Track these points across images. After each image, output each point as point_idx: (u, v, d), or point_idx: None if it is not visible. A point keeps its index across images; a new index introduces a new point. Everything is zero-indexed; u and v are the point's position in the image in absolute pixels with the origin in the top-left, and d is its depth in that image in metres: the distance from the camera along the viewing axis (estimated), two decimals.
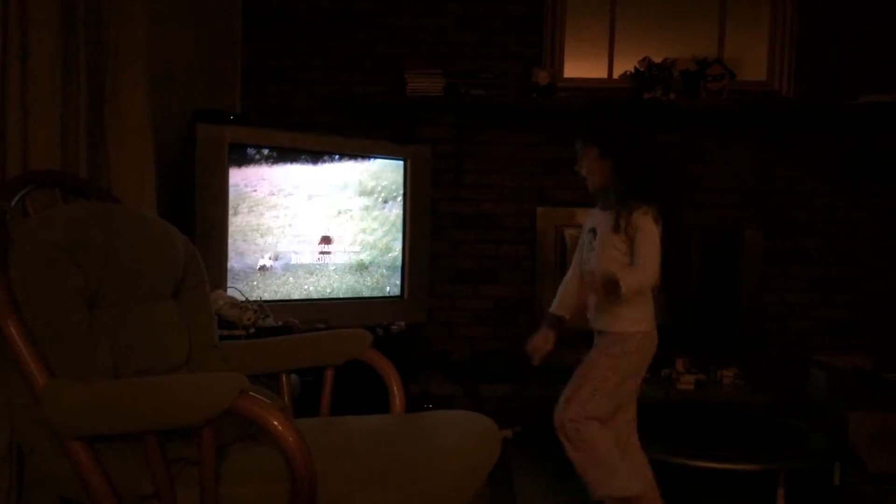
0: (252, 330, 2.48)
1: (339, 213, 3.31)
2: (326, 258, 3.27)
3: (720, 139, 3.95)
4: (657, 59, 3.85)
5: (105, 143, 2.15)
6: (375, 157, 3.43)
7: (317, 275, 3.24)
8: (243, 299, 2.67)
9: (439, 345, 3.95)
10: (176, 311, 1.76)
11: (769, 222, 3.96)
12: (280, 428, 1.29)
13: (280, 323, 2.63)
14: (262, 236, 3.03)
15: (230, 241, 2.91)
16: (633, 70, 3.88)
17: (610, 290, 2.23)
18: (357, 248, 3.38)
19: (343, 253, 3.33)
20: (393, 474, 1.43)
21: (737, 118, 3.88)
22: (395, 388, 1.92)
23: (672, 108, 3.81)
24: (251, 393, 1.31)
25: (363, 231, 3.40)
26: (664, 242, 2.28)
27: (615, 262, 2.31)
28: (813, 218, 3.99)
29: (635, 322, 2.34)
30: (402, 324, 3.48)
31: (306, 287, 3.20)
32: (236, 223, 2.94)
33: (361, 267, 3.40)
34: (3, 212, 1.52)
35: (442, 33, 4.00)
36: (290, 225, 3.13)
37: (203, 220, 2.82)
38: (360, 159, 3.37)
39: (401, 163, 3.51)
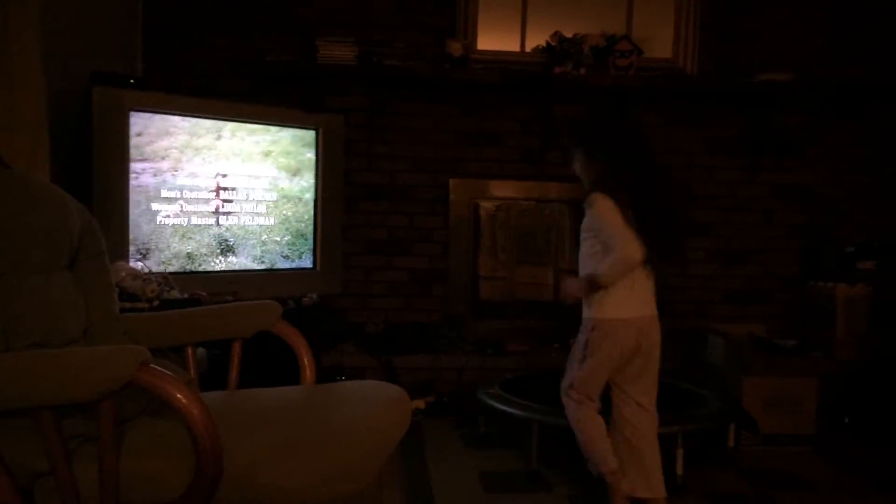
0: (156, 303, 2.40)
1: (250, 183, 3.22)
2: (228, 221, 3.17)
3: (626, 114, 4.04)
4: (568, 34, 3.90)
5: None
6: (286, 126, 3.36)
7: (225, 248, 3.16)
8: (147, 270, 2.57)
9: (354, 316, 3.93)
10: (71, 282, 1.68)
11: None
12: (184, 400, 1.25)
13: (186, 295, 2.56)
14: (165, 215, 2.92)
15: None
16: (544, 44, 3.92)
17: (593, 287, 2.38)
18: (268, 219, 3.31)
19: (252, 224, 3.25)
20: (301, 445, 1.41)
21: (643, 94, 3.98)
22: (305, 360, 1.90)
23: (582, 82, 3.88)
24: (153, 365, 1.27)
25: (274, 202, 3.33)
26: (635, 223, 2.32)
27: (593, 258, 2.41)
28: (713, 192, 4.15)
29: (600, 309, 2.42)
30: (315, 296, 3.44)
31: (212, 259, 3.11)
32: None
33: (272, 238, 3.34)
34: None
35: (356, 1, 3.92)
36: (194, 196, 3.03)
37: (101, 188, 2.70)
38: (269, 128, 3.28)
39: (312, 132, 3.44)
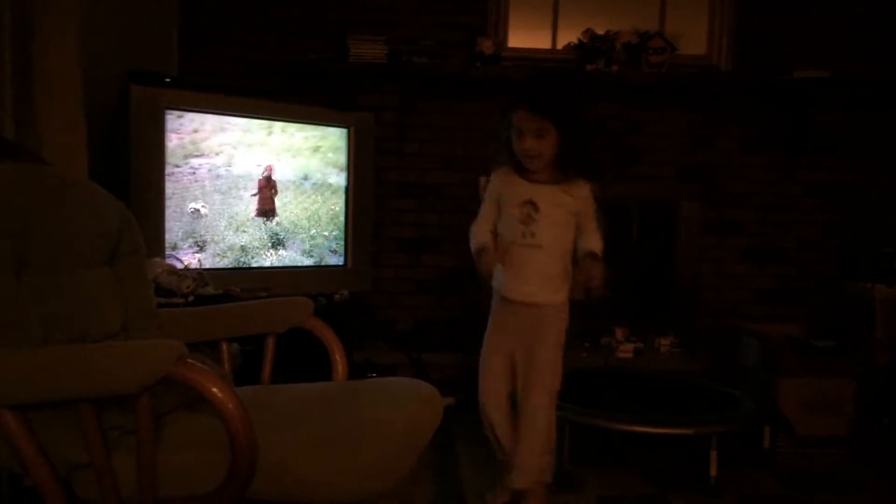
0: (191, 298, 2.43)
1: (283, 181, 3.25)
2: (268, 226, 3.22)
3: (660, 112, 4.01)
4: (600, 31, 3.87)
5: (33, 103, 2.06)
6: (319, 125, 3.38)
7: (258, 243, 3.19)
8: (182, 267, 2.61)
9: (383, 314, 3.94)
10: (110, 278, 1.70)
11: (706, 194, 4.04)
12: (219, 395, 1.27)
13: (220, 291, 2.59)
14: (201, 208, 2.96)
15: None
16: (576, 41, 3.89)
17: (599, 264, 2.32)
18: (300, 217, 3.33)
19: (286, 222, 3.28)
20: (334, 441, 1.42)
21: (676, 91, 3.93)
22: (336, 356, 1.91)
23: (614, 80, 3.85)
24: (189, 360, 1.28)
25: (306, 200, 3.35)
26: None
27: (564, 239, 2.37)
28: (748, 190, 4.09)
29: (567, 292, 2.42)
30: (346, 293, 3.46)
31: (248, 256, 3.15)
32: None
33: (305, 236, 3.36)
34: None
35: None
36: (228, 194, 3.06)
37: (139, 185, 2.74)
38: (302, 126, 3.31)
39: (344, 131, 3.46)
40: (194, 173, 2.92)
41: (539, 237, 2.35)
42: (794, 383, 3.21)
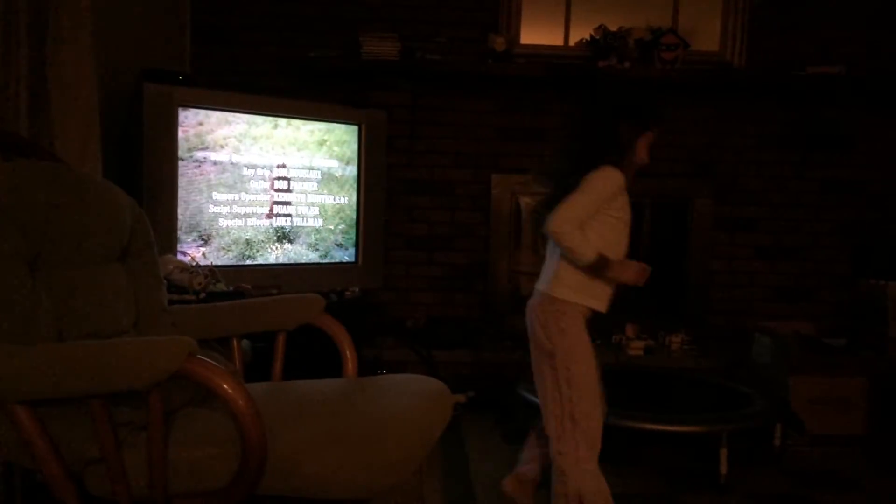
0: (203, 295, 2.44)
1: (293, 178, 3.26)
2: (278, 222, 3.24)
3: (673, 108, 3.99)
4: (612, 28, 3.86)
5: (48, 101, 2.08)
6: (330, 122, 3.39)
7: (269, 240, 3.21)
8: (194, 264, 2.62)
9: (394, 311, 3.95)
10: (123, 274, 1.73)
11: (719, 191, 4.03)
12: (230, 391, 1.28)
13: (231, 288, 2.60)
14: (214, 205, 2.98)
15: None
16: (588, 38, 3.88)
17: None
18: (311, 214, 3.35)
19: (297, 218, 3.30)
20: (344, 437, 1.43)
21: (689, 88, 3.92)
22: (347, 353, 1.92)
23: (626, 76, 3.83)
24: (200, 356, 1.30)
25: (317, 196, 3.36)
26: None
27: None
28: (761, 187, 4.07)
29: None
30: (357, 290, 3.47)
31: (259, 253, 3.16)
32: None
33: (316, 232, 3.37)
34: None
35: None
36: (242, 190, 3.08)
37: (151, 183, 2.76)
38: (314, 123, 3.32)
39: (355, 127, 3.47)
40: (199, 166, 2.94)
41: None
42: (805, 381, 3.20)
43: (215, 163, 2.99)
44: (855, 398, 3.20)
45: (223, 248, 3.02)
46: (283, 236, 3.25)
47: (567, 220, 2.02)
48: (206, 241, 2.96)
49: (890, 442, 3.22)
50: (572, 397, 2.08)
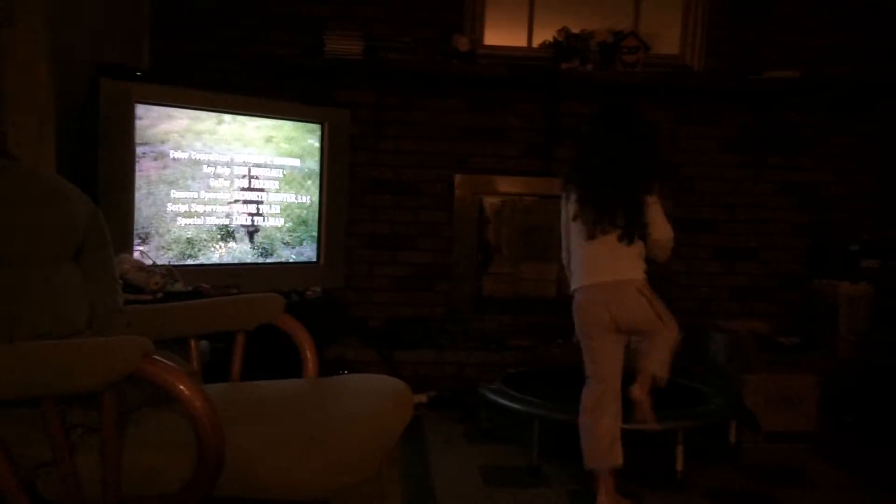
0: (160, 295, 2.41)
1: (255, 176, 3.24)
2: (238, 221, 3.20)
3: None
4: (575, 30, 3.89)
5: (2, 95, 2.03)
6: (292, 120, 3.36)
7: (228, 239, 3.17)
8: (151, 263, 2.59)
9: (357, 310, 3.94)
10: (77, 273, 1.69)
11: (679, 193, 4.09)
12: (186, 392, 1.26)
13: (190, 288, 2.57)
14: (172, 203, 2.94)
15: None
16: (551, 40, 3.91)
17: None
18: (272, 212, 3.32)
19: (258, 216, 3.27)
20: (303, 438, 1.42)
21: (649, 90, 3.97)
22: (307, 353, 1.91)
23: (588, 78, 3.87)
24: (156, 357, 1.28)
25: (279, 195, 3.34)
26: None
27: None
28: (719, 189, 4.14)
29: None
30: (318, 289, 3.45)
31: (218, 252, 3.13)
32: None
33: (277, 231, 3.35)
34: None
35: None
36: (202, 189, 3.05)
37: (107, 180, 2.71)
38: (276, 121, 3.29)
39: (318, 126, 3.45)
40: (157, 163, 2.89)
41: None
42: (759, 379, 3.27)
43: (174, 160, 2.94)
44: (807, 396, 3.27)
45: (181, 247, 2.98)
46: (244, 235, 3.22)
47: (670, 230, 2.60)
48: (143, 239, 2.90)
49: (840, 438, 3.31)
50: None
